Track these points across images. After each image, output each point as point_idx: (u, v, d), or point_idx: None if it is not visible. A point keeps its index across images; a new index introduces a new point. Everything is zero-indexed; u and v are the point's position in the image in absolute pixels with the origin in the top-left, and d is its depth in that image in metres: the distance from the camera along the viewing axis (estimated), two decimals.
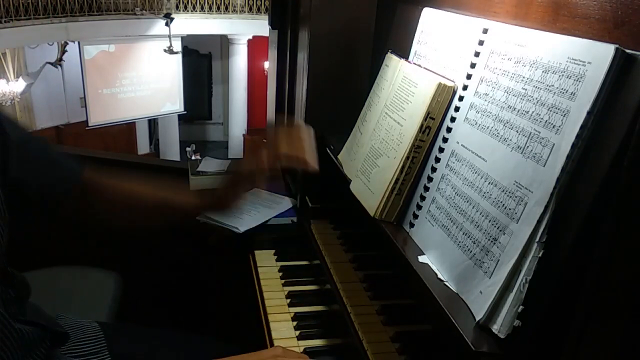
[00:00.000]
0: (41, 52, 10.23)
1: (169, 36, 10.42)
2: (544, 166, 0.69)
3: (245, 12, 11.26)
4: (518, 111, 0.77)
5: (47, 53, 10.31)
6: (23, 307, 0.95)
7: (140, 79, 11.10)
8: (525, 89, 0.76)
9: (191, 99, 12.30)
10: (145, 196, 1.09)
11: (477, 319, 0.71)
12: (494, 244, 0.74)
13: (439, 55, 1.03)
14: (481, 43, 0.90)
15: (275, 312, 1.20)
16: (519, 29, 0.82)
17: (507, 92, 0.80)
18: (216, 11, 11.14)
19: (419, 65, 1.05)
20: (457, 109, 0.92)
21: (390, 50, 1.18)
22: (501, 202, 0.75)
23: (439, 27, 1.06)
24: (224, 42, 12.92)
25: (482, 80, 0.87)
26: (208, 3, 11.04)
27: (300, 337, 1.12)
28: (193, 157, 10.57)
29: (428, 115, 0.95)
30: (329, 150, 1.33)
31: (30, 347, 0.90)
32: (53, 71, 10.50)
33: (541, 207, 0.67)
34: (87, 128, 10.63)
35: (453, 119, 0.92)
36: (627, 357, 0.60)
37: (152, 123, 12.99)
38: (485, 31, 0.90)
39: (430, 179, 0.94)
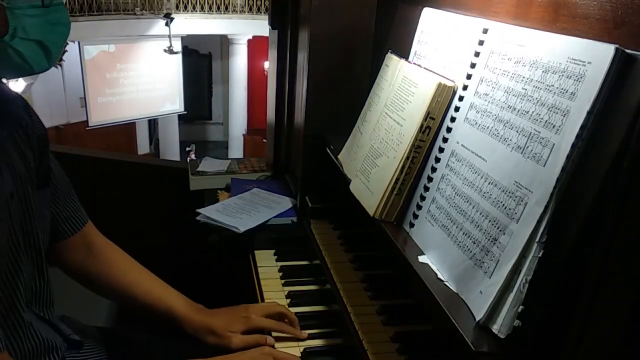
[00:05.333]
0: None
1: (169, 36, 10.43)
2: (544, 166, 0.69)
3: (245, 12, 11.26)
4: (518, 111, 0.77)
5: None
6: (49, 308, 0.98)
7: (140, 79, 11.10)
8: (525, 89, 0.76)
9: (191, 99, 12.30)
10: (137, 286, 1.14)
11: (477, 319, 0.71)
12: (494, 244, 0.74)
13: (439, 55, 1.03)
14: (481, 43, 0.90)
15: None
16: (519, 29, 0.82)
17: (507, 92, 0.80)
18: (216, 11, 11.15)
19: (419, 65, 1.05)
20: (457, 109, 0.92)
21: (390, 50, 1.18)
22: (501, 202, 0.75)
23: (439, 27, 1.06)
24: (224, 42, 12.93)
25: (482, 80, 0.87)
26: (208, 3, 11.04)
27: None
28: (189, 158, 10.59)
29: (428, 115, 0.95)
30: (329, 150, 1.34)
31: (44, 350, 0.91)
32: (53, 71, 10.48)
33: (541, 207, 0.67)
34: (87, 128, 10.63)
35: (453, 119, 0.92)
36: (627, 357, 0.60)
37: (152, 123, 12.99)
38: (485, 31, 0.90)
39: (430, 179, 0.94)
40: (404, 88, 1.05)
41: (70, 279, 1.15)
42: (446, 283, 0.81)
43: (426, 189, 0.94)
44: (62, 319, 1.08)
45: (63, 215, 1.07)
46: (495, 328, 0.69)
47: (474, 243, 0.78)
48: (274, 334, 1.10)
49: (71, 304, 1.18)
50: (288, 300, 1.23)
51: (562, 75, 0.70)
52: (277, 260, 1.39)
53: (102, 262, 1.14)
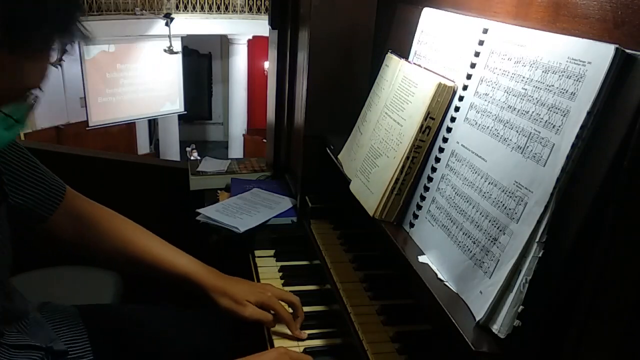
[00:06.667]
0: None
1: (169, 36, 10.43)
2: (544, 166, 0.69)
3: (245, 12, 11.27)
4: (518, 111, 0.77)
5: None
6: (21, 326, 0.94)
7: (140, 79, 11.11)
8: (525, 89, 0.76)
9: (191, 99, 12.30)
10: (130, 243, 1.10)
11: (477, 319, 0.71)
12: (494, 244, 0.74)
13: (439, 55, 1.03)
14: (481, 43, 0.90)
15: None
16: (519, 29, 0.82)
17: (507, 92, 0.80)
18: (216, 11, 11.15)
19: (419, 65, 1.05)
20: (457, 109, 0.92)
21: (390, 50, 1.18)
22: (501, 202, 0.75)
23: (439, 27, 1.06)
24: (224, 42, 12.94)
25: (482, 80, 0.87)
26: (208, 3, 11.05)
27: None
28: (192, 157, 10.59)
29: (428, 115, 0.95)
30: (329, 150, 1.34)
31: None
32: (53, 71, 10.43)
33: (541, 207, 0.67)
34: (87, 128, 10.63)
35: (453, 119, 0.92)
36: (627, 358, 0.60)
37: (152, 123, 13.00)
38: (485, 31, 0.90)
39: (430, 179, 0.94)
40: (404, 88, 1.05)
41: (70, 279, 1.14)
42: (446, 283, 0.81)
43: (426, 189, 0.94)
44: (42, 306, 1.08)
45: (36, 202, 1.01)
46: (495, 328, 0.69)
47: (474, 243, 0.78)
48: (275, 336, 1.11)
49: (72, 303, 1.18)
50: None
51: (562, 75, 0.70)
52: (277, 260, 1.39)
53: (102, 233, 1.10)
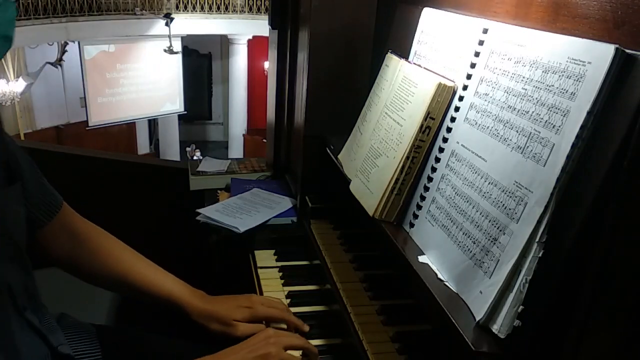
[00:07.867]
0: (41, 52, 10.25)
1: (169, 36, 10.44)
2: (544, 166, 0.69)
3: (245, 12, 11.27)
4: (518, 111, 0.77)
5: (47, 53, 10.33)
6: (38, 312, 0.95)
7: (140, 79, 11.12)
8: (525, 89, 0.76)
9: (191, 99, 12.30)
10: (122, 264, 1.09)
11: (477, 319, 0.71)
12: (494, 244, 0.74)
13: (439, 55, 1.03)
14: (481, 43, 0.90)
15: None
16: (519, 29, 0.82)
17: (507, 92, 0.80)
18: (216, 11, 11.16)
19: (419, 65, 1.05)
20: (457, 109, 0.92)
21: (390, 50, 1.18)
22: (501, 202, 0.75)
23: (439, 27, 1.06)
24: (224, 42, 12.94)
25: (482, 80, 0.87)
26: (208, 3, 11.05)
27: None
28: (195, 157, 10.59)
29: (428, 115, 0.95)
30: (329, 150, 1.34)
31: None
32: (53, 71, 10.51)
33: (541, 207, 0.67)
34: (87, 128, 10.64)
35: (453, 119, 0.92)
36: (627, 357, 0.60)
37: (152, 123, 13.01)
38: (485, 31, 0.90)
39: (430, 179, 0.94)
40: (404, 88, 1.05)
41: (69, 279, 1.14)
42: (446, 283, 0.81)
43: (426, 189, 0.94)
44: (60, 318, 1.08)
45: (34, 201, 0.99)
46: (495, 328, 0.69)
47: (474, 243, 0.78)
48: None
49: (71, 303, 1.18)
50: (288, 300, 1.23)
51: (562, 75, 0.70)
52: (277, 260, 1.39)
53: (93, 251, 1.09)
